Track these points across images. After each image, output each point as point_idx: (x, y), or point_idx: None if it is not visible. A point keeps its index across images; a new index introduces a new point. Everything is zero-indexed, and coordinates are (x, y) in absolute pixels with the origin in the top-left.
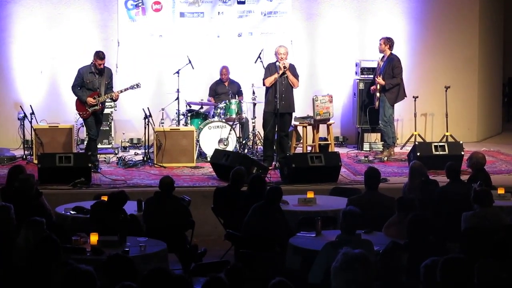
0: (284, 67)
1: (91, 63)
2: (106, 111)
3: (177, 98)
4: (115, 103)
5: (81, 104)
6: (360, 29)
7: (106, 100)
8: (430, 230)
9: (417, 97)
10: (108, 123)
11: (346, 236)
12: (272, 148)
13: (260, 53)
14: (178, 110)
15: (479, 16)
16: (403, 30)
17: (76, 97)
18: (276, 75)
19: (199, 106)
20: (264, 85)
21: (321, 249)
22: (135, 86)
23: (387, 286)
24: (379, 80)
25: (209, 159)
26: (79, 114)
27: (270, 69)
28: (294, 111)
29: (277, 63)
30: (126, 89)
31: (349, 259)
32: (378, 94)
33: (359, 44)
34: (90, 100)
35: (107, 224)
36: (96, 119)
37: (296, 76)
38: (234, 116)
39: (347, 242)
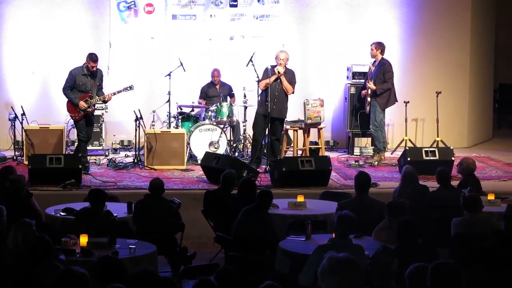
0: (278, 72)
1: (83, 64)
2: (97, 112)
3: (168, 101)
4: (106, 104)
5: (72, 106)
6: (352, 34)
7: (98, 102)
8: (419, 235)
9: (408, 102)
10: (99, 124)
11: (338, 240)
12: (261, 151)
13: (252, 57)
14: (169, 112)
15: (470, 23)
16: (395, 35)
17: (67, 99)
18: (268, 80)
19: (190, 109)
20: (259, 87)
21: (312, 252)
22: (128, 88)
23: None
24: (370, 85)
25: (199, 162)
26: (70, 116)
27: (268, 72)
28: (285, 117)
29: (268, 67)
30: (119, 91)
31: (334, 264)
32: (369, 99)
33: (351, 48)
34: (82, 104)
35: (94, 226)
36: (87, 121)
37: (292, 82)
38: (225, 119)
39: (339, 246)
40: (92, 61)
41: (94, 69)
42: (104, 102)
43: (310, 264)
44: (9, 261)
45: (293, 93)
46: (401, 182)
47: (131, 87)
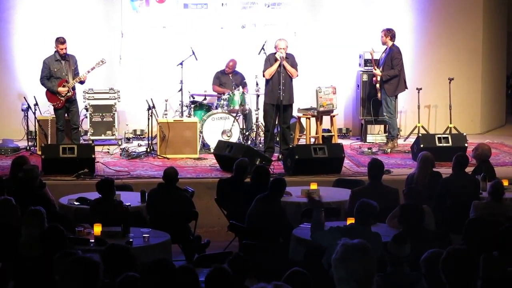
0: (281, 57)
1: (54, 51)
2: (109, 102)
3: (181, 90)
4: (118, 94)
5: (53, 95)
6: (364, 21)
7: (75, 85)
8: (420, 218)
9: (421, 88)
10: (112, 114)
11: (358, 226)
12: (273, 140)
13: (264, 45)
14: (182, 101)
15: (483, 8)
16: (408, 21)
17: (45, 89)
18: (272, 67)
19: (203, 98)
20: (264, 76)
21: (328, 229)
22: (100, 63)
23: (390, 277)
24: (376, 71)
25: (212, 150)
26: (52, 105)
27: (270, 60)
28: (293, 102)
29: (269, 55)
30: (92, 68)
31: (348, 249)
32: (378, 86)
33: (363, 36)
34: (62, 90)
35: (107, 216)
36: (70, 107)
37: (294, 66)
38: (237, 107)
39: (357, 232)
40: (59, 43)
41: (63, 51)
42: (81, 83)
43: (332, 245)
44: (24, 251)
45: (297, 76)
46: (420, 167)
47: (102, 61)
